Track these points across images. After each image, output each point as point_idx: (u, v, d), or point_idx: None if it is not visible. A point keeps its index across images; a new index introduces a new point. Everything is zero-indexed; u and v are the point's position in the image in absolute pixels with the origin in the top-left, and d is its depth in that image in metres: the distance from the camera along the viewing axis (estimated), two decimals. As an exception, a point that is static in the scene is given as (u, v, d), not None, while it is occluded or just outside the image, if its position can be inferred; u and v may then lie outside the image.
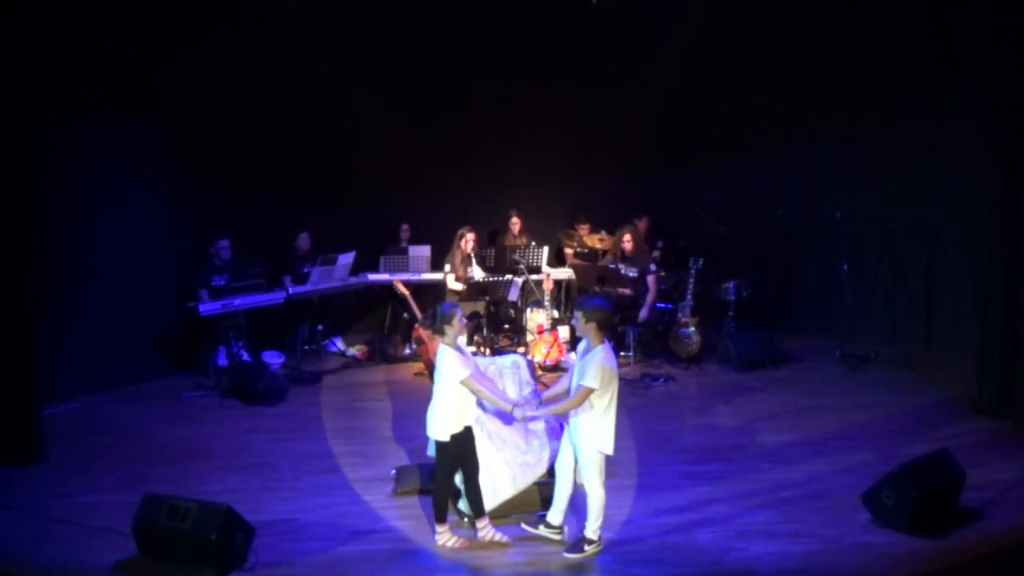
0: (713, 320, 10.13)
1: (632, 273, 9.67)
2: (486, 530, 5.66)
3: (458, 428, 5.56)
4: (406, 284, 9.77)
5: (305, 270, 10.01)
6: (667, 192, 11.51)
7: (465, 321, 5.78)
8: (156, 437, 7.66)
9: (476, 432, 5.76)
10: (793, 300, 10.80)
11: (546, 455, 6.07)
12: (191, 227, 9.56)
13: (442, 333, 5.58)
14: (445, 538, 5.60)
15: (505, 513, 5.91)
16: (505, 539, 5.64)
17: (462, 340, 5.93)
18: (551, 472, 5.98)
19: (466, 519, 5.86)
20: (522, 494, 6.02)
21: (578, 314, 5.45)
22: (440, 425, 5.54)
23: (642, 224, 10.73)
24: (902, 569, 5.15)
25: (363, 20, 10.61)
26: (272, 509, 6.10)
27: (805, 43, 10.20)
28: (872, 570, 5.20)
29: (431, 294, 10.52)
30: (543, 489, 6.08)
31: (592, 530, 5.46)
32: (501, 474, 5.87)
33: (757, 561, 5.32)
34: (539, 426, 6.31)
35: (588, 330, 5.39)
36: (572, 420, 5.43)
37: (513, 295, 9.93)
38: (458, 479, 5.97)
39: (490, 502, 5.78)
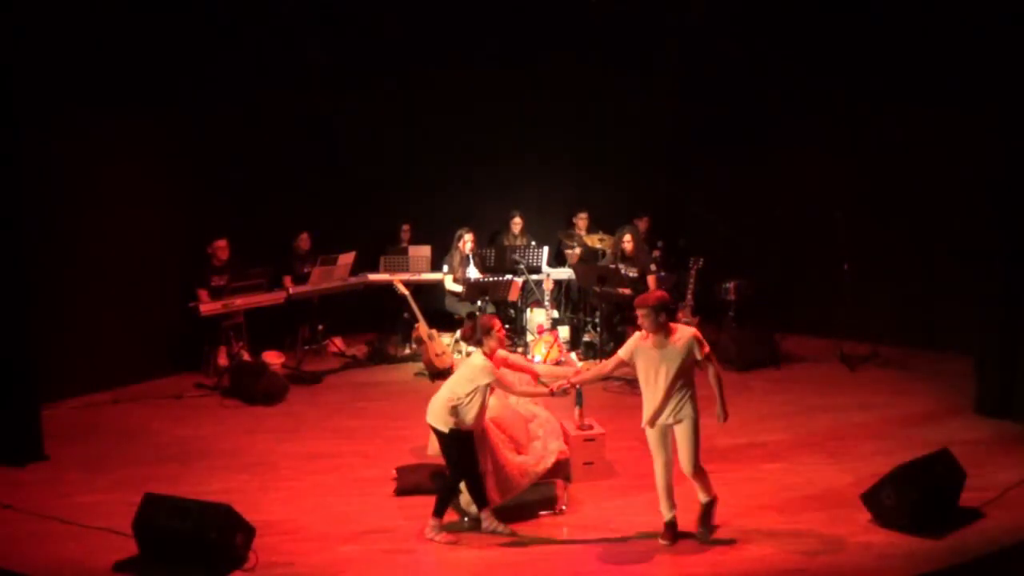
0: (713, 320, 10.13)
1: (632, 273, 9.67)
2: (489, 520, 5.70)
3: (454, 426, 5.61)
4: (406, 284, 9.77)
5: (305, 270, 10.02)
6: (667, 192, 11.53)
7: (504, 331, 5.84)
8: (156, 437, 7.67)
9: (482, 431, 5.78)
10: (793, 300, 10.80)
11: (551, 450, 6.11)
12: (191, 227, 9.56)
13: (481, 344, 5.68)
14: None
15: (527, 517, 5.95)
16: (508, 529, 5.68)
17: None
18: (553, 471, 6.02)
19: (466, 519, 5.87)
20: (537, 490, 6.05)
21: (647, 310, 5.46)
22: (440, 416, 5.64)
23: (642, 224, 10.73)
24: (902, 569, 5.14)
25: (363, 20, 10.62)
26: (272, 509, 6.10)
27: (804, 42, 10.21)
28: (872, 570, 5.19)
29: (431, 294, 10.53)
30: (565, 485, 6.21)
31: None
32: (502, 474, 5.87)
33: (757, 561, 5.32)
34: (539, 427, 6.33)
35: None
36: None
37: (513, 295, 9.92)
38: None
39: (498, 499, 5.81)
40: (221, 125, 9.68)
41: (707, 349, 5.51)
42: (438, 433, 5.71)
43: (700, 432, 5.52)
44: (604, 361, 5.73)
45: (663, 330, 5.44)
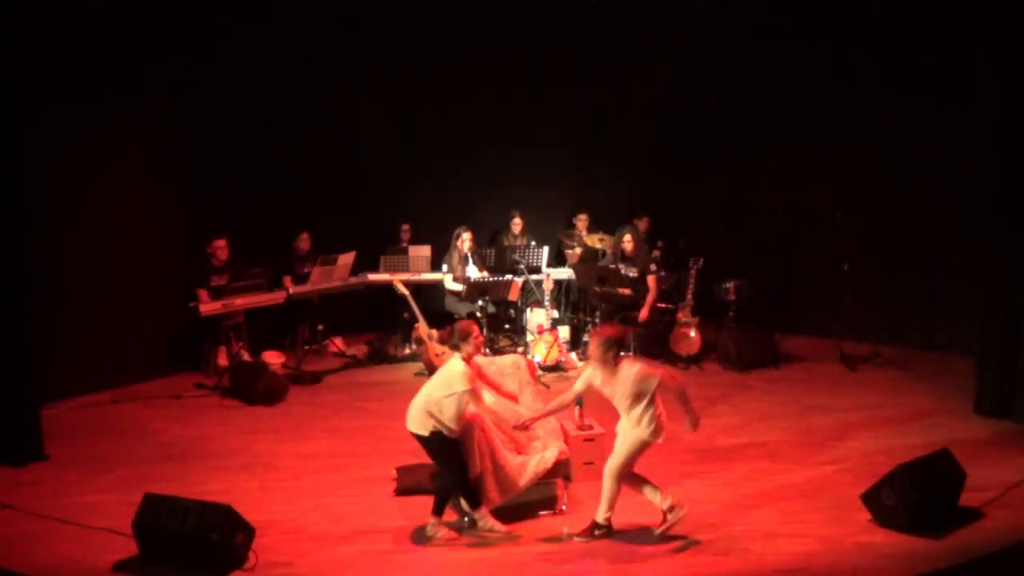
0: (713, 320, 10.13)
1: (632, 273, 9.67)
2: (485, 519, 5.70)
3: (434, 428, 5.60)
4: (406, 284, 9.77)
5: (305, 270, 10.02)
6: (667, 192, 11.52)
7: (482, 337, 5.82)
8: (156, 437, 7.67)
9: (481, 431, 5.78)
10: (793, 300, 10.80)
11: (549, 452, 6.10)
12: (191, 227, 9.56)
13: (458, 349, 5.67)
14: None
15: (527, 517, 5.96)
16: (505, 529, 5.68)
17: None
18: (553, 471, 6.02)
19: (466, 519, 5.86)
20: (537, 490, 6.04)
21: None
22: (419, 420, 5.63)
23: (642, 224, 10.74)
24: (902, 569, 5.14)
25: (363, 20, 10.62)
26: (272, 509, 6.09)
27: (805, 42, 10.21)
28: (872, 570, 5.19)
29: (431, 294, 10.53)
30: (565, 485, 6.20)
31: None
32: (502, 474, 5.87)
33: (757, 561, 5.32)
34: (539, 427, 6.32)
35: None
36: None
37: (513, 295, 9.92)
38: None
39: (497, 499, 5.81)
40: (221, 125, 9.68)
41: (657, 379, 5.44)
42: (420, 439, 5.67)
43: (641, 454, 5.53)
44: (563, 395, 5.75)
45: (610, 365, 5.46)
